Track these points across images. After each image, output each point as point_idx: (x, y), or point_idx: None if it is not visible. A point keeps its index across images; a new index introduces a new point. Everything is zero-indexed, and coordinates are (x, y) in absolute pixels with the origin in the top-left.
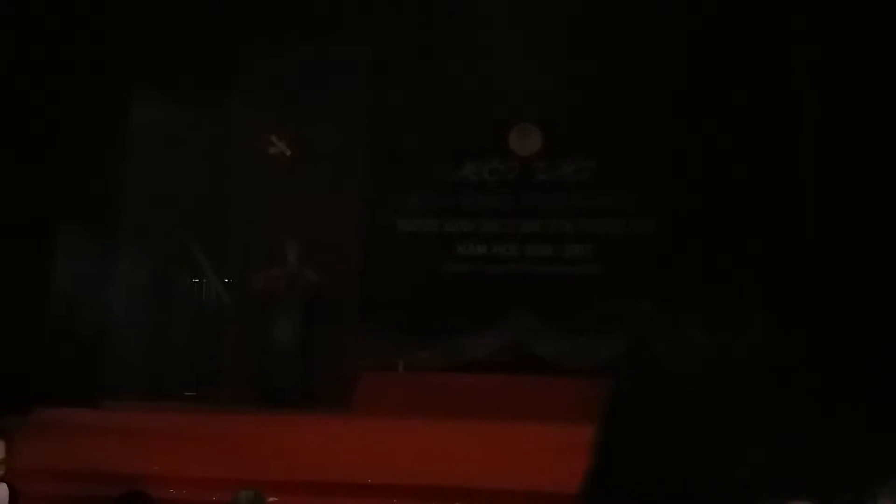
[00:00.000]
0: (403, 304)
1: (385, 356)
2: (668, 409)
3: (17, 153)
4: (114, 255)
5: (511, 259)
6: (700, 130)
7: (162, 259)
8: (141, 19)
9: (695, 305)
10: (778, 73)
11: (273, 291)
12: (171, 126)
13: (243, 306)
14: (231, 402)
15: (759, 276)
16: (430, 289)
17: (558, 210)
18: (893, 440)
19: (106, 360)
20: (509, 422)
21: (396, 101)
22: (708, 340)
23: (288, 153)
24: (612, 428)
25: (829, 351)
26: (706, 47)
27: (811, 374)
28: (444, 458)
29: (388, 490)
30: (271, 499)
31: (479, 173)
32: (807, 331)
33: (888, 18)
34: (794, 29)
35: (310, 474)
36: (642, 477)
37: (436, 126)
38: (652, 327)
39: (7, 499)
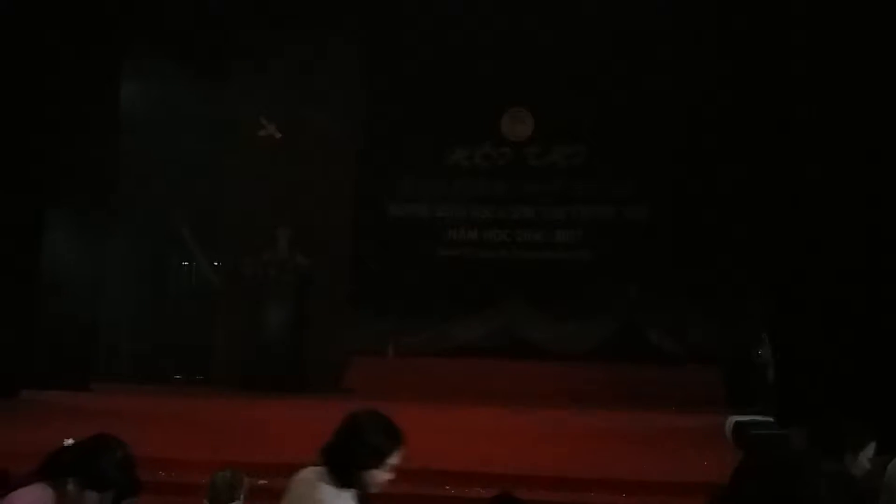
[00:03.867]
0: (394, 290)
1: (376, 341)
2: None
3: (7, 135)
4: (104, 239)
5: (502, 245)
6: (692, 118)
7: (152, 242)
8: (135, 6)
9: (686, 292)
10: (768, 64)
11: (264, 276)
12: (163, 110)
13: (234, 290)
14: (221, 385)
15: (749, 262)
16: (421, 274)
17: (550, 196)
18: None
19: (95, 343)
20: (499, 406)
21: (389, 86)
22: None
23: (278, 136)
24: None
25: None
26: (700, 35)
27: None
28: (434, 442)
29: None
30: (261, 481)
31: (470, 159)
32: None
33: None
34: (791, 20)
35: (299, 457)
36: None
37: (428, 111)
38: (643, 312)
39: None
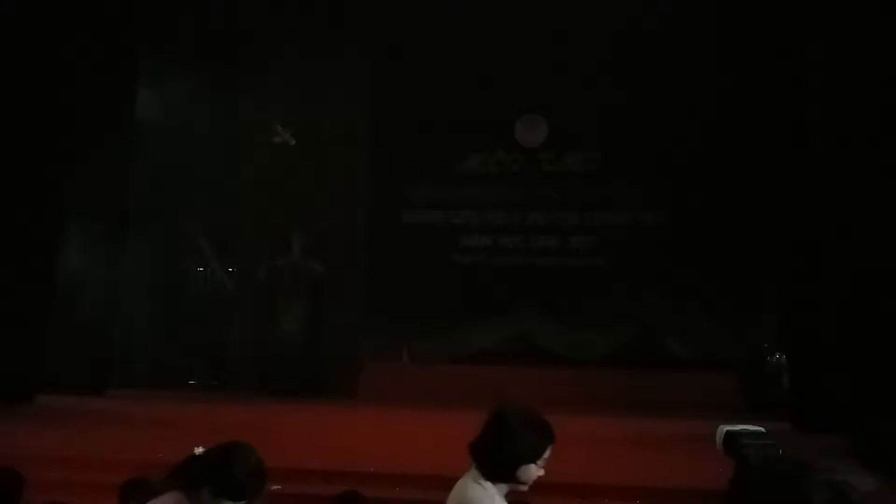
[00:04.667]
0: (408, 295)
1: (390, 346)
2: None
3: (24, 143)
4: (119, 245)
5: (516, 251)
6: (706, 123)
7: (167, 249)
8: (148, 8)
9: (700, 297)
10: (779, 68)
11: (278, 282)
12: (177, 116)
13: (248, 296)
14: (235, 390)
15: (764, 267)
16: (435, 280)
17: (564, 202)
18: None
19: (111, 349)
20: None
21: (402, 93)
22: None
23: (292, 142)
24: None
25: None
26: (710, 41)
27: None
28: (447, 448)
29: (391, 479)
30: (275, 486)
31: (484, 165)
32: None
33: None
34: (801, 26)
35: (314, 462)
36: None
37: (441, 117)
38: (657, 318)
39: None
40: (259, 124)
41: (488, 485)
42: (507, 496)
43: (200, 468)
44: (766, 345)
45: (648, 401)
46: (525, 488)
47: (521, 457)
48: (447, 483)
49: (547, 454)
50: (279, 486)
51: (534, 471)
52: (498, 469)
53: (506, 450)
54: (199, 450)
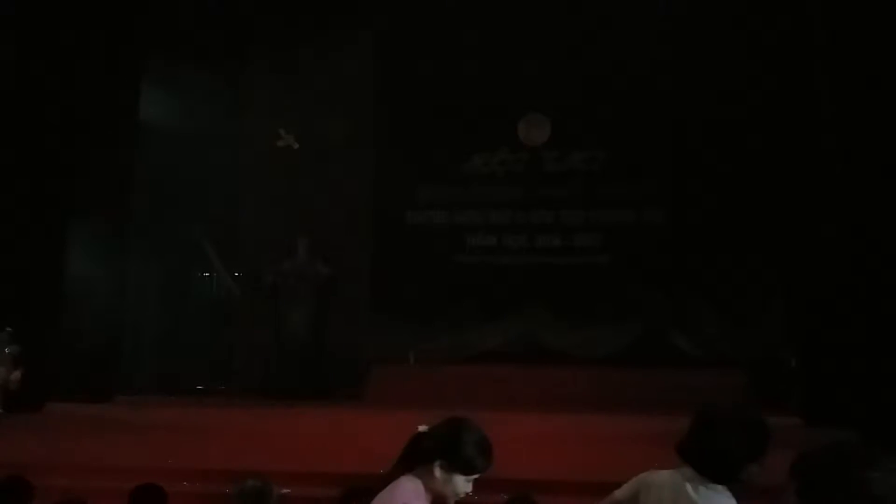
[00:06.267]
0: (414, 297)
1: (396, 348)
2: None
3: (30, 151)
4: (125, 251)
5: (521, 250)
6: (710, 120)
7: (173, 254)
8: (152, 10)
9: (707, 295)
10: (787, 64)
11: (284, 285)
12: (182, 121)
13: (254, 300)
14: (243, 395)
15: (771, 264)
16: (440, 280)
17: (568, 201)
18: None
19: (118, 355)
20: (520, 412)
21: (405, 94)
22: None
23: (296, 146)
24: None
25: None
26: (717, 38)
27: None
28: None
29: None
30: (284, 490)
31: (488, 164)
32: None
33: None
34: (810, 21)
35: (321, 465)
36: None
37: (444, 118)
38: (663, 316)
39: None
40: (264, 128)
41: (720, 487)
42: None
43: (432, 443)
44: (778, 340)
45: (656, 398)
46: (753, 485)
47: (749, 457)
48: None
49: (765, 451)
50: (288, 490)
51: (756, 469)
52: (726, 471)
53: (736, 451)
54: (422, 427)
